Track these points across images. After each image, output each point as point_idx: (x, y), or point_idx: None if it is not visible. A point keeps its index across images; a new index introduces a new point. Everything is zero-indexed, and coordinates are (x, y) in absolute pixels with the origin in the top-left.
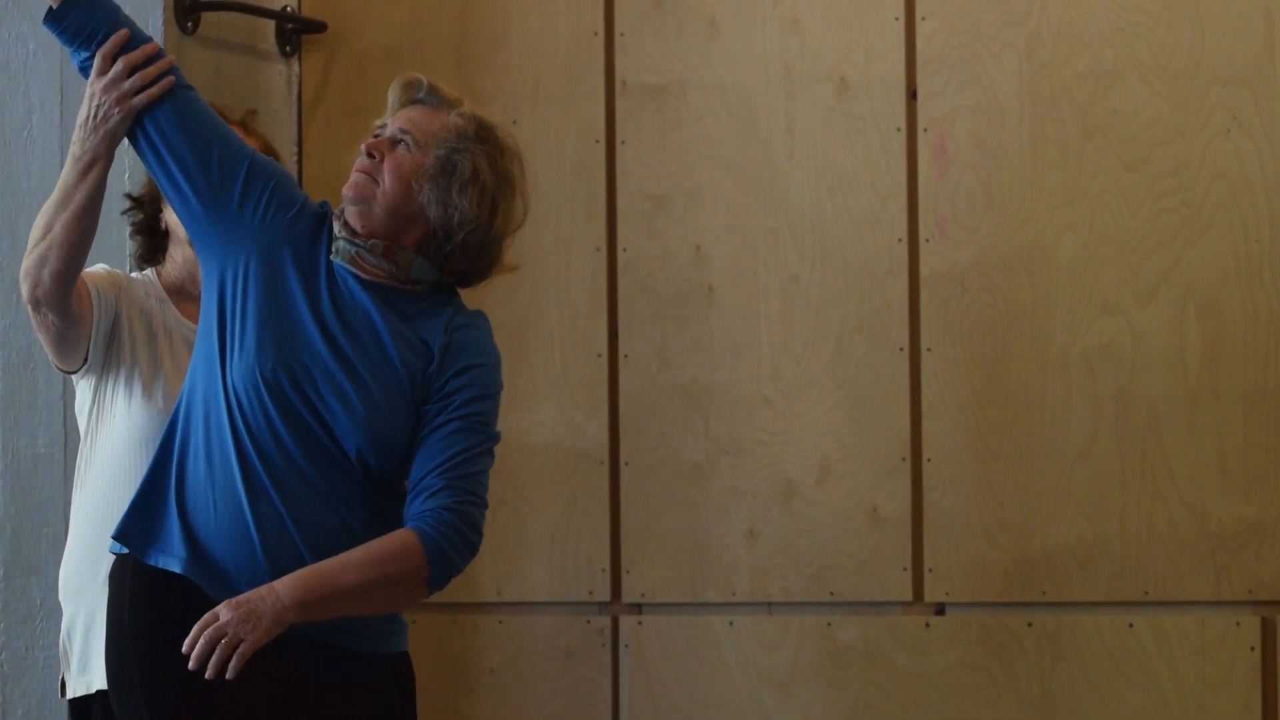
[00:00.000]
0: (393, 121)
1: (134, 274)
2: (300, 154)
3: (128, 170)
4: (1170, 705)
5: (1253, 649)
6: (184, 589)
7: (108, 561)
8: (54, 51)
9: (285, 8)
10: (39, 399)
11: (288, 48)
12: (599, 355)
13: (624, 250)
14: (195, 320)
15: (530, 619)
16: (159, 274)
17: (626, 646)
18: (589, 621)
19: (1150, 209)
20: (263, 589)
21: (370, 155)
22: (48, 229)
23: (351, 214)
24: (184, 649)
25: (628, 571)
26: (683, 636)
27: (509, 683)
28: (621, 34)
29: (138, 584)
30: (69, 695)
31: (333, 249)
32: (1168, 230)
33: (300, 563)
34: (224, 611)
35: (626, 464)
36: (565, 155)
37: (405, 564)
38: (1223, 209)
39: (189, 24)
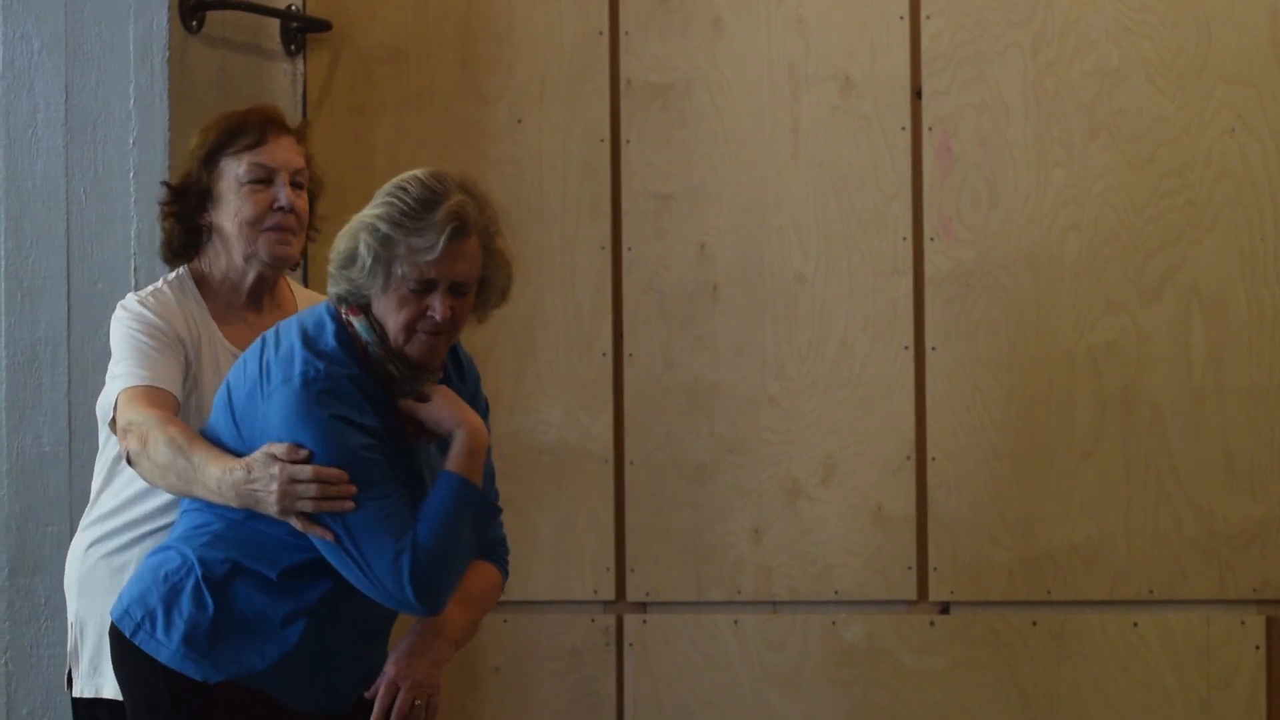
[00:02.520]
0: (446, 270)
1: (163, 285)
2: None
3: (132, 169)
4: (1175, 704)
5: (1257, 648)
6: (229, 693)
7: (127, 576)
8: (59, 51)
9: (290, 6)
10: (44, 398)
11: (292, 47)
12: (604, 354)
13: (629, 249)
14: (236, 342)
15: (535, 618)
16: (189, 270)
17: (631, 645)
18: (594, 620)
19: (1155, 208)
20: (425, 639)
21: (442, 320)
22: (161, 457)
23: (418, 359)
24: None
25: (632, 570)
26: (687, 635)
27: (514, 681)
28: (626, 33)
29: (177, 693)
30: (76, 694)
31: (404, 391)
32: (1173, 229)
33: (357, 647)
34: (403, 678)
35: (631, 463)
36: (570, 154)
37: (497, 596)
38: (1228, 208)
39: (194, 23)
